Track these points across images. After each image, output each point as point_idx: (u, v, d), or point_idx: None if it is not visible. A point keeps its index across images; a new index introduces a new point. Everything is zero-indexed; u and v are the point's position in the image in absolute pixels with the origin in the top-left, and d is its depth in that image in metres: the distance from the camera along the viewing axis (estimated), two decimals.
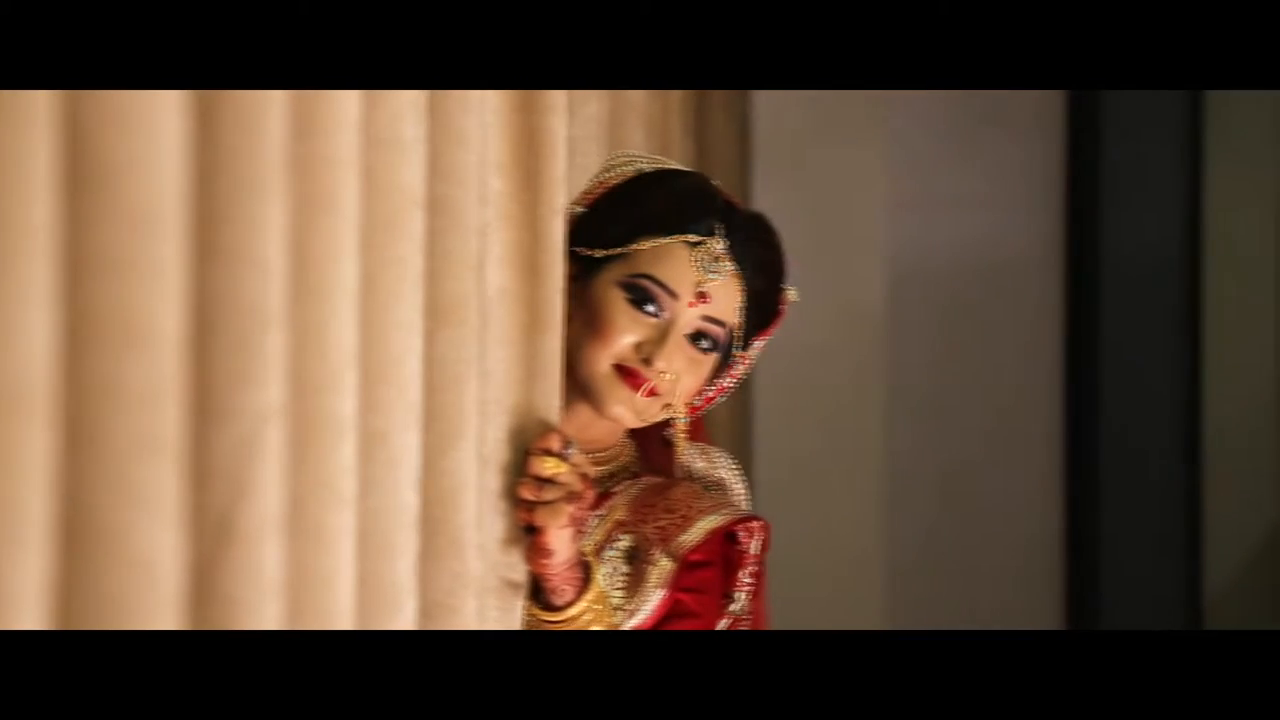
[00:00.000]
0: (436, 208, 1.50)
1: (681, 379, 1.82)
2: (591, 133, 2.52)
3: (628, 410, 1.82)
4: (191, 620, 1.17)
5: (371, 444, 1.37)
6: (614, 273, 1.83)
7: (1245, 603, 4.59)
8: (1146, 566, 4.59)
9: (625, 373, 1.81)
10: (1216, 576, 4.63)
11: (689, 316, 1.83)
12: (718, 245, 1.84)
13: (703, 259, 1.83)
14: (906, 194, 4.68)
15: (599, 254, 1.84)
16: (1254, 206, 4.55)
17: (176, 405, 1.10)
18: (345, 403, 1.29)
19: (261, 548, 1.19)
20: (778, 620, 1.99)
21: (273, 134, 1.19)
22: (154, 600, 1.10)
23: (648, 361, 1.81)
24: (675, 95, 3.40)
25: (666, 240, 1.83)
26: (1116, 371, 4.62)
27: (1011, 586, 4.72)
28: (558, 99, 1.69)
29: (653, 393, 1.81)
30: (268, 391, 1.19)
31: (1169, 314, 4.62)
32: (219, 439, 1.18)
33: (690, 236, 1.84)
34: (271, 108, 1.19)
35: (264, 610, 1.20)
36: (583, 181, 1.97)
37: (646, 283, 1.82)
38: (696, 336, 1.83)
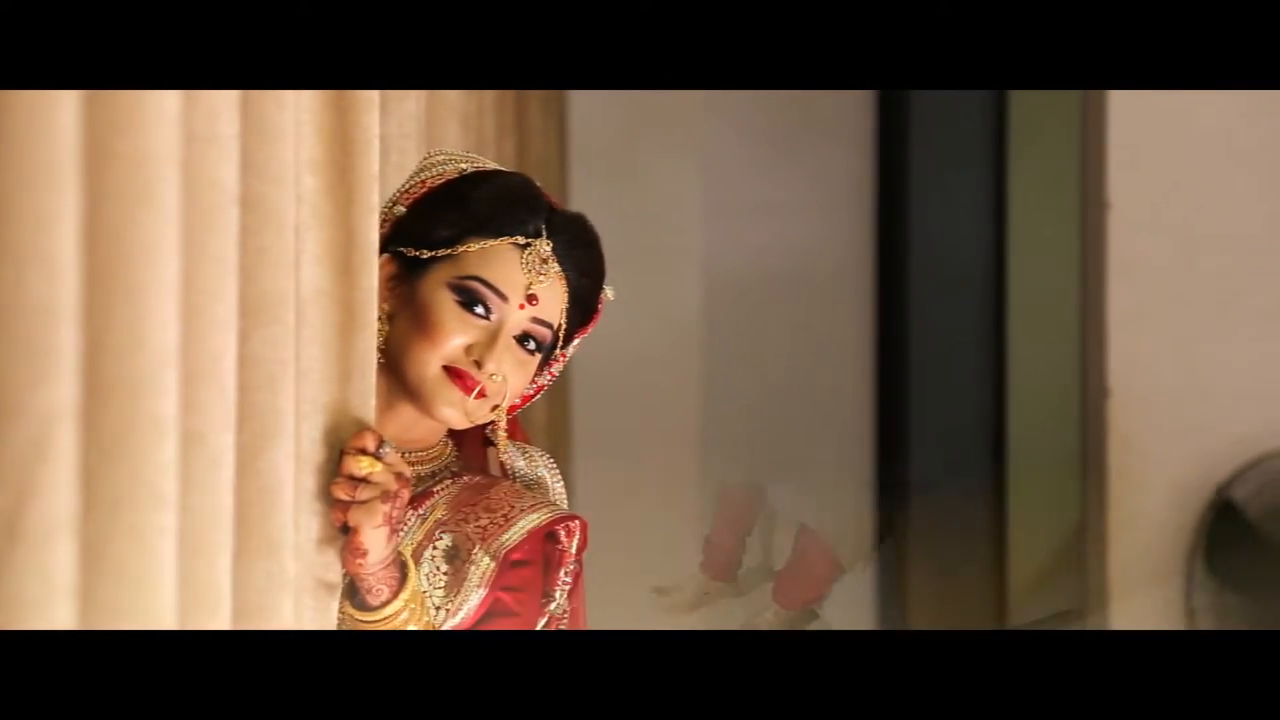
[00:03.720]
0: (251, 205, 1.49)
1: (509, 380, 1.82)
2: (408, 130, 2.51)
3: (457, 412, 1.81)
4: None
5: (191, 444, 1.35)
6: (442, 274, 1.83)
7: (1047, 599, 4.69)
8: (954, 562, 4.68)
9: (455, 375, 1.81)
10: (1021, 573, 4.73)
11: (518, 318, 1.83)
12: (545, 247, 1.85)
13: (531, 261, 1.84)
14: (721, 198, 4.72)
15: (425, 255, 1.84)
16: (1057, 207, 4.65)
17: None
18: (164, 402, 1.27)
19: (51, 549, 1.17)
20: (594, 619, 2.00)
21: (64, 130, 1.17)
22: None
23: (478, 364, 1.81)
24: (491, 94, 3.40)
25: (495, 242, 1.84)
26: (925, 372, 4.70)
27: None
28: (371, 97, 1.68)
29: (482, 394, 1.81)
30: (59, 391, 1.17)
31: (976, 314, 4.71)
32: (5, 439, 1.15)
33: (518, 238, 1.84)
34: (62, 104, 1.17)
35: (55, 612, 1.18)
36: (400, 180, 1.96)
37: (476, 285, 1.82)
38: (524, 338, 1.84)
